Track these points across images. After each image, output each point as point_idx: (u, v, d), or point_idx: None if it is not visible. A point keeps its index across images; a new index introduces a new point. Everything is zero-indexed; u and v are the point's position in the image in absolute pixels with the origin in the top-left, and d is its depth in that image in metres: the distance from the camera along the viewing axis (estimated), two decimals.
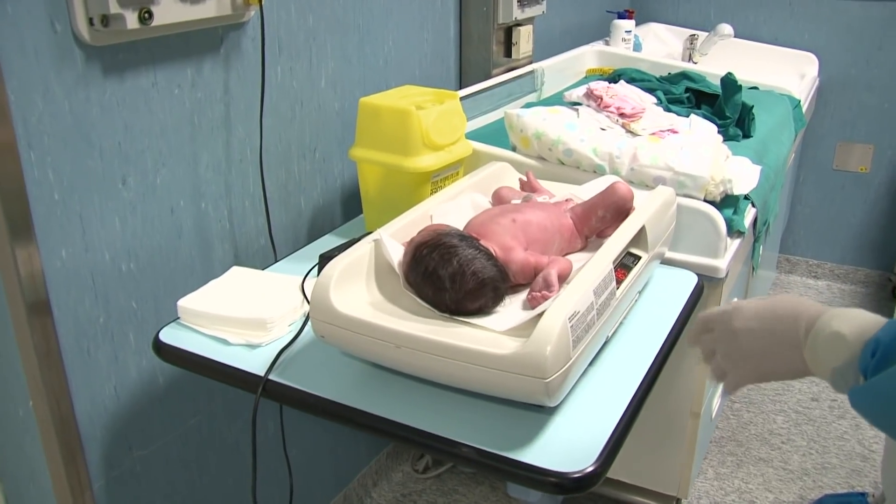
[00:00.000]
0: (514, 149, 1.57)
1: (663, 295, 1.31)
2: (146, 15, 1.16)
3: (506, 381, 0.93)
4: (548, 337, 0.91)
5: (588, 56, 2.48)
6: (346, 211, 1.75)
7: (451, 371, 0.97)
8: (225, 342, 1.17)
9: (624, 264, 1.16)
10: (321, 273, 1.04)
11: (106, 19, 1.14)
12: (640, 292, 1.29)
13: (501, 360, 0.92)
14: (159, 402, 1.41)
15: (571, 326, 0.94)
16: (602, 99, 1.58)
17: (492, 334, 1.02)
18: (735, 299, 0.84)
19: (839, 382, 0.70)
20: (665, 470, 1.78)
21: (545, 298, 1.05)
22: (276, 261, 1.47)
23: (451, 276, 1.05)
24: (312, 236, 1.65)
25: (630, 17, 2.61)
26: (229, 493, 1.61)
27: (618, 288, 1.09)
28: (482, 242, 1.11)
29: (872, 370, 0.65)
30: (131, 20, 1.14)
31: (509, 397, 0.99)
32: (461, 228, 1.18)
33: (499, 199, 1.31)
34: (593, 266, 1.05)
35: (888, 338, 0.64)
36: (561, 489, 0.94)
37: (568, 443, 0.97)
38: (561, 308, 0.94)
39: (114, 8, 1.12)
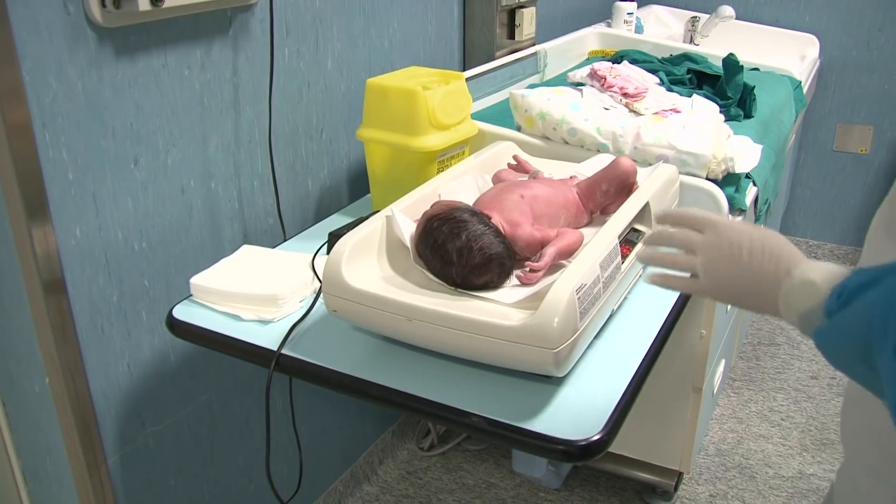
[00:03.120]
0: (518, 129, 1.59)
1: (668, 271, 1.33)
2: None
3: (515, 351, 0.96)
4: (555, 308, 0.93)
5: (590, 38, 2.49)
6: (353, 191, 1.77)
7: (461, 343, 0.99)
8: (237, 318, 1.20)
9: (628, 240, 1.19)
10: (333, 248, 1.06)
11: (118, 1, 1.15)
12: (643, 268, 1.31)
13: (510, 331, 0.95)
14: (171, 379, 1.44)
15: (578, 298, 0.96)
16: (606, 79, 1.59)
17: (500, 307, 1.04)
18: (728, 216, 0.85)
19: (806, 326, 0.72)
20: (668, 444, 1.81)
21: (528, 280, 1.08)
22: (286, 240, 1.49)
23: (458, 250, 1.07)
24: (319, 216, 1.67)
25: (632, 0, 2.62)
26: (240, 468, 1.64)
27: (623, 262, 1.11)
28: (491, 219, 1.13)
29: (835, 312, 0.67)
30: (143, 2, 1.16)
31: (518, 368, 1.01)
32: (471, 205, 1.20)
33: (499, 180, 1.33)
34: (599, 240, 1.07)
35: (853, 283, 0.66)
36: (569, 456, 0.96)
37: (575, 412, 0.99)
38: (568, 280, 0.96)
39: None
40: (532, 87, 1.95)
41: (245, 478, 1.66)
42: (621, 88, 1.58)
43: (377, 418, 2.12)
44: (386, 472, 2.12)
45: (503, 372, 1.05)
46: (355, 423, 2.02)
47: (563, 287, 0.95)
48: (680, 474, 1.97)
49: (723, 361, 2.03)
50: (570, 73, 1.75)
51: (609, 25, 2.64)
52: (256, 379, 1.63)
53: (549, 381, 1.04)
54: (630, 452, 1.88)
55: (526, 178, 1.28)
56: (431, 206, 1.16)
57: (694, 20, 2.83)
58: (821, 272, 0.72)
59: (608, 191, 1.24)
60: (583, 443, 0.95)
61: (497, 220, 1.14)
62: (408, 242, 1.12)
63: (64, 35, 1.13)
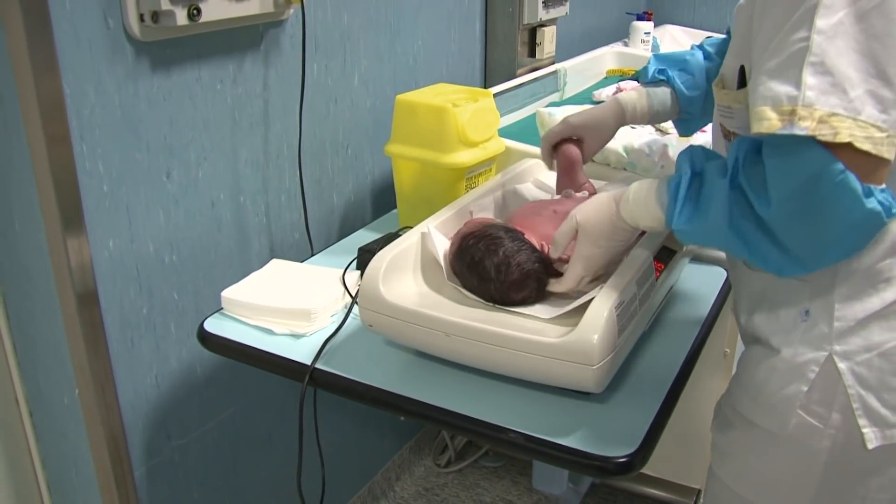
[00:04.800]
0: None
1: (694, 290, 1.34)
2: (195, 11, 1.19)
3: (554, 368, 0.96)
4: (595, 325, 0.94)
5: (608, 57, 2.50)
6: (376, 207, 1.77)
7: (500, 359, 0.99)
8: (269, 332, 1.20)
9: (660, 258, 1.19)
10: (370, 264, 1.07)
11: (156, 15, 1.16)
12: (671, 287, 1.31)
13: (551, 347, 0.95)
14: (197, 393, 1.44)
15: (618, 315, 0.96)
16: None
17: (537, 322, 1.04)
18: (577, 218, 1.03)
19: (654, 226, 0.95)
20: (688, 462, 1.80)
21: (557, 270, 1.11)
22: (313, 254, 1.50)
23: (496, 266, 1.07)
24: (344, 231, 1.67)
25: (649, 19, 2.63)
26: (262, 483, 1.64)
27: (656, 279, 1.11)
28: (525, 234, 1.14)
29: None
30: (181, 16, 1.17)
31: (556, 384, 1.01)
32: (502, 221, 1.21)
33: (566, 160, 1.27)
34: (635, 258, 1.07)
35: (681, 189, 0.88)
36: (607, 473, 0.96)
37: (610, 428, 0.99)
38: (607, 297, 0.96)
39: (164, 4, 1.15)
40: (553, 105, 1.96)
41: (267, 492, 1.66)
42: None
43: (394, 434, 2.11)
44: (403, 488, 2.11)
45: (534, 387, 1.05)
46: (373, 439, 2.01)
47: (602, 304, 0.95)
48: (699, 492, 1.96)
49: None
50: (595, 92, 1.75)
51: (626, 45, 2.66)
52: (279, 393, 1.62)
53: (581, 397, 1.04)
54: (649, 470, 1.87)
55: (559, 197, 1.28)
56: (465, 224, 1.17)
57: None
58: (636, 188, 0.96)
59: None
60: (622, 459, 0.94)
61: (530, 235, 1.14)
62: (441, 260, 1.13)
63: (103, 48, 1.14)
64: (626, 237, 1.02)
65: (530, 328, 1.01)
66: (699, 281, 1.36)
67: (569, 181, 1.25)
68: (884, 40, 0.73)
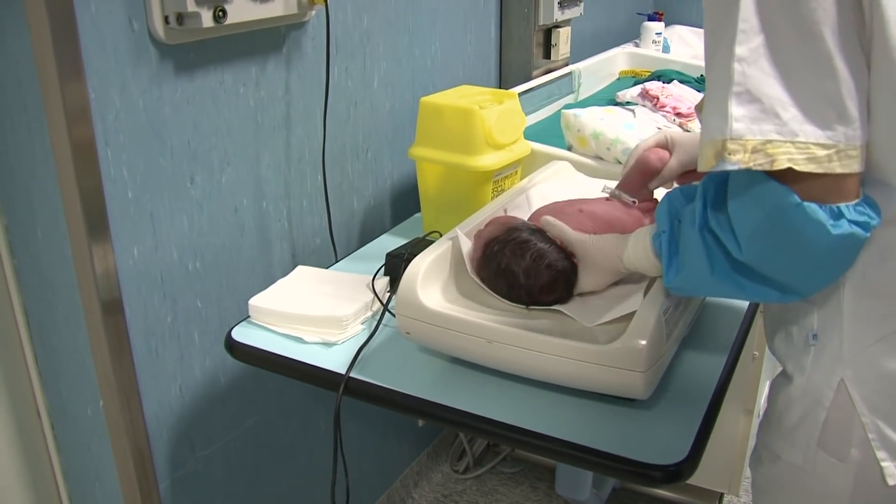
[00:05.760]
0: (569, 148, 1.57)
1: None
2: (220, 13, 1.16)
3: (601, 374, 0.93)
4: (644, 330, 0.91)
5: (620, 58, 2.48)
6: (396, 211, 1.75)
7: (544, 366, 0.97)
8: (300, 340, 1.17)
9: None
10: (407, 270, 1.04)
11: (181, 17, 1.14)
12: None
13: (598, 353, 0.93)
14: (220, 403, 1.41)
15: (665, 320, 0.94)
16: (658, 99, 1.58)
17: (577, 326, 1.02)
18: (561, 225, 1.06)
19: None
20: (713, 466, 1.78)
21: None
22: (337, 260, 1.47)
23: (525, 271, 1.05)
24: (364, 236, 1.65)
25: (660, 19, 2.62)
26: (284, 492, 1.61)
27: None
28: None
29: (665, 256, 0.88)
30: (206, 18, 1.14)
31: (602, 391, 0.99)
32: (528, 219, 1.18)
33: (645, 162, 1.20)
34: None
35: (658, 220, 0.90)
36: (655, 481, 0.94)
37: (656, 436, 0.97)
38: (654, 302, 0.94)
39: (190, 6, 1.12)
40: (568, 106, 1.94)
41: (291, 502, 1.63)
42: (674, 108, 1.57)
43: (412, 441, 2.09)
44: (421, 495, 2.08)
45: (574, 393, 1.02)
46: (391, 446, 1.99)
47: (650, 309, 0.93)
48: (721, 495, 1.94)
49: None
50: (619, 93, 1.73)
51: (637, 45, 2.64)
52: (301, 402, 1.60)
53: (624, 403, 1.02)
54: None
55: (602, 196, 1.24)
56: (486, 226, 1.14)
57: None
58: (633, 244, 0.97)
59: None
60: (672, 468, 0.92)
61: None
62: (468, 262, 1.10)
63: (128, 51, 1.11)
64: (629, 273, 1.03)
65: (572, 333, 0.99)
66: None
67: (635, 184, 1.17)
68: (812, 57, 0.69)
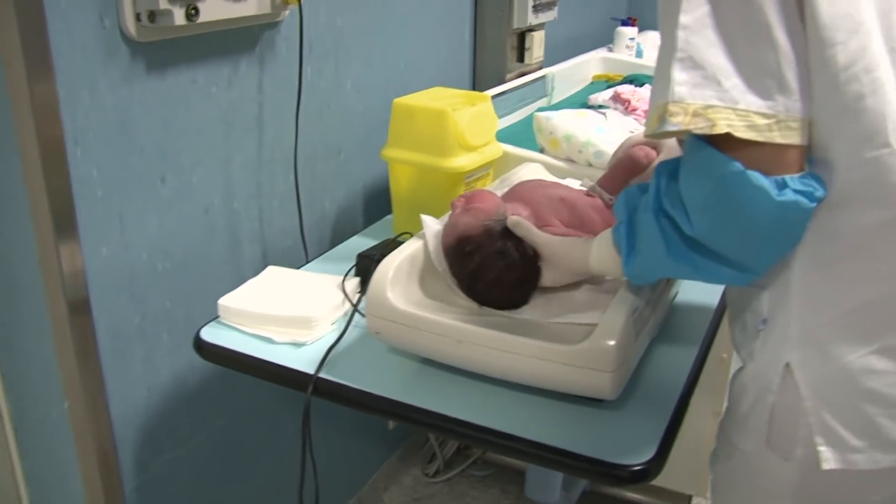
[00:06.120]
0: (542, 150, 1.58)
1: (696, 297, 1.33)
2: (193, 11, 1.15)
3: (570, 374, 0.94)
4: (612, 330, 0.92)
5: (593, 62, 2.50)
6: (368, 213, 1.75)
7: (512, 365, 0.97)
8: (269, 341, 1.17)
9: None
10: (377, 270, 1.04)
11: (153, 15, 1.13)
12: (676, 293, 1.30)
13: (566, 354, 0.93)
14: (188, 404, 1.40)
15: (634, 321, 0.95)
16: (630, 102, 1.60)
17: (548, 328, 1.02)
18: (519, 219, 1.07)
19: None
20: (681, 468, 1.79)
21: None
22: (308, 261, 1.46)
23: (489, 282, 1.07)
24: (337, 238, 1.64)
25: (633, 25, 2.64)
26: (255, 495, 1.60)
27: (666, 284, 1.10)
28: (521, 209, 1.12)
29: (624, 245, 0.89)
30: (179, 16, 1.14)
31: (571, 391, 0.99)
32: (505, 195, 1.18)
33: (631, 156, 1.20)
34: None
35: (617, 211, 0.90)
36: (622, 481, 0.95)
37: (623, 436, 0.98)
38: (623, 302, 0.95)
39: (163, 4, 1.11)
40: (541, 109, 1.95)
41: None
42: (645, 111, 1.58)
43: (382, 443, 2.08)
44: (391, 498, 2.08)
45: (543, 394, 1.03)
46: (361, 449, 1.98)
47: (619, 309, 0.94)
48: (690, 497, 1.96)
49: None
50: (591, 96, 1.75)
51: (611, 50, 2.66)
52: (270, 403, 1.59)
53: (593, 404, 1.02)
54: None
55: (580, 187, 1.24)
56: (464, 212, 1.12)
57: None
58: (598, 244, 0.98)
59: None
60: (639, 468, 0.93)
61: (525, 211, 1.12)
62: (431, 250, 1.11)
63: (98, 49, 1.10)
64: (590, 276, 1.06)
65: (542, 334, 0.99)
66: (700, 287, 1.35)
67: (618, 180, 1.17)
68: (753, 27, 0.72)
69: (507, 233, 1.09)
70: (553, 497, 1.86)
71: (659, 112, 0.74)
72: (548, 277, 1.07)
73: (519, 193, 1.17)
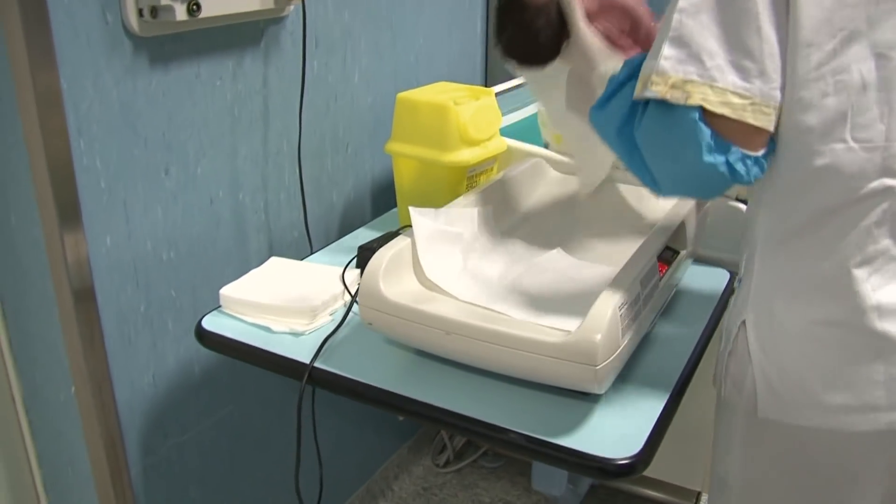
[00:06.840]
0: (546, 145, 1.58)
1: (697, 291, 1.33)
2: (194, 7, 1.17)
3: (556, 368, 0.95)
4: (598, 325, 0.92)
5: None
6: (376, 206, 1.76)
7: (500, 358, 0.98)
8: (268, 330, 1.19)
9: (664, 258, 1.18)
10: (370, 261, 1.06)
11: (155, 10, 1.15)
12: (675, 288, 1.30)
13: (552, 347, 0.94)
14: (194, 391, 1.43)
15: (621, 315, 0.95)
16: None
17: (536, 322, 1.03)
18: None
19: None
20: (689, 464, 1.79)
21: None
22: (312, 252, 1.48)
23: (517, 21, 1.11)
24: (343, 230, 1.66)
25: None
26: (260, 481, 1.63)
27: (660, 280, 1.10)
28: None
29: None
30: (180, 12, 1.16)
31: (557, 384, 1.00)
32: None
33: None
34: (638, 258, 1.06)
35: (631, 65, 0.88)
36: (608, 475, 0.95)
37: (612, 429, 0.98)
38: (610, 297, 0.96)
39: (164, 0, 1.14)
40: None
41: (265, 491, 1.65)
42: None
43: (393, 433, 2.10)
44: (401, 487, 2.10)
45: (535, 387, 1.04)
46: (371, 438, 2.00)
47: (605, 304, 0.94)
48: (699, 494, 1.95)
49: None
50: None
51: None
52: (278, 392, 1.61)
53: (583, 398, 1.03)
54: (648, 471, 1.86)
55: None
56: None
57: None
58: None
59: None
60: (624, 461, 0.94)
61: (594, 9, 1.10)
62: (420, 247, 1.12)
63: (102, 43, 1.13)
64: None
65: (530, 327, 1.00)
66: (702, 282, 1.35)
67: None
68: (743, 15, 0.77)
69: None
70: (559, 490, 1.86)
71: (644, 81, 0.82)
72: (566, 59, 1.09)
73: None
